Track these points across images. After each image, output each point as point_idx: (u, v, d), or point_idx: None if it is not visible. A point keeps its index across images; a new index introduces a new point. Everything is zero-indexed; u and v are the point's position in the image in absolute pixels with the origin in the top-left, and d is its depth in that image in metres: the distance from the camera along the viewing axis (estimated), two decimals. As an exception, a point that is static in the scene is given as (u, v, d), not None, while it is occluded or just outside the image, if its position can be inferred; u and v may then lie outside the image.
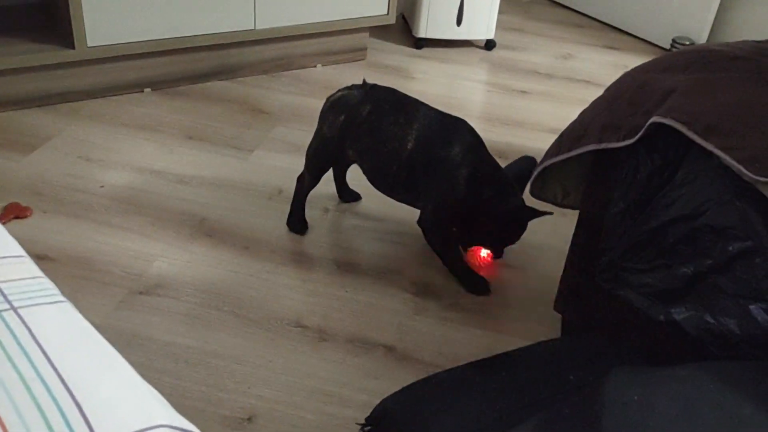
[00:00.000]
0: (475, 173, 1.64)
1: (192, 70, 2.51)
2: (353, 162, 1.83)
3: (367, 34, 2.84)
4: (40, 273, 0.79)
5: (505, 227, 1.72)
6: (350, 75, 2.74)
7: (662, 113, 1.12)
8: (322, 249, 1.84)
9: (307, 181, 1.84)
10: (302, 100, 2.53)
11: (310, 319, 1.61)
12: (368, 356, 1.54)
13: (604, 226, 1.31)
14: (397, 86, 2.72)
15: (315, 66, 2.78)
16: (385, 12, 2.75)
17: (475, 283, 1.74)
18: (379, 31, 2.97)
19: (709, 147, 1.07)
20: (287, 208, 1.94)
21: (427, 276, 1.78)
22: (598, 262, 1.32)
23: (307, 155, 1.83)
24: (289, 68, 2.72)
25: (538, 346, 1.30)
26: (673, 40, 3.16)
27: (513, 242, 1.77)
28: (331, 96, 1.79)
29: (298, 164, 1.93)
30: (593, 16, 3.52)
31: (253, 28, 2.50)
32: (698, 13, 3.10)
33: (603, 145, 1.24)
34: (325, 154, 1.80)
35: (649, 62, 1.33)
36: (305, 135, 2.07)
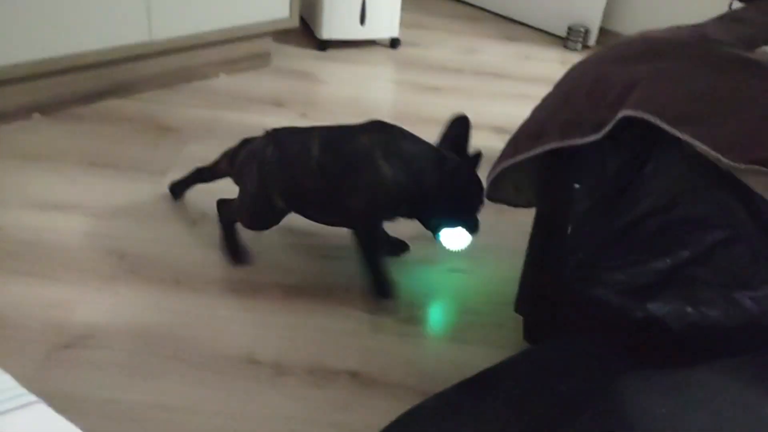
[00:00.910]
0: (397, 154, 1.53)
1: (84, 89, 2.29)
2: (287, 212, 1.67)
3: (270, 39, 2.71)
4: None
5: (460, 192, 1.60)
6: (255, 83, 2.60)
7: (632, 106, 1.09)
8: (261, 274, 1.71)
9: (241, 224, 1.72)
10: (211, 113, 2.36)
11: (262, 353, 1.48)
12: (332, 386, 1.43)
13: (570, 225, 1.28)
14: (306, 90, 2.64)
15: (218, 76, 2.61)
16: (288, 15, 2.63)
17: (383, 287, 1.64)
18: (282, 35, 2.84)
19: (684, 137, 1.05)
20: (214, 233, 1.79)
21: (377, 291, 1.69)
22: (568, 261, 1.29)
23: (241, 214, 1.70)
24: (191, 80, 2.55)
25: (518, 358, 1.24)
26: (569, 28, 3.23)
27: (479, 205, 1.65)
28: (233, 154, 1.71)
29: (218, 184, 1.79)
30: (489, 8, 3.54)
31: (149, 40, 2.31)
32: (590, 2, 3.19)
33: (566, 142, 1.20)
34: (262, 211, 1.65)
35: (595, 54, 1.31)
36: (218, 151, 1.93)
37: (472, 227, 1.67)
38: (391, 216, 1.65)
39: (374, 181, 1.53)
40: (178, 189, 1.90)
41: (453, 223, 1.65)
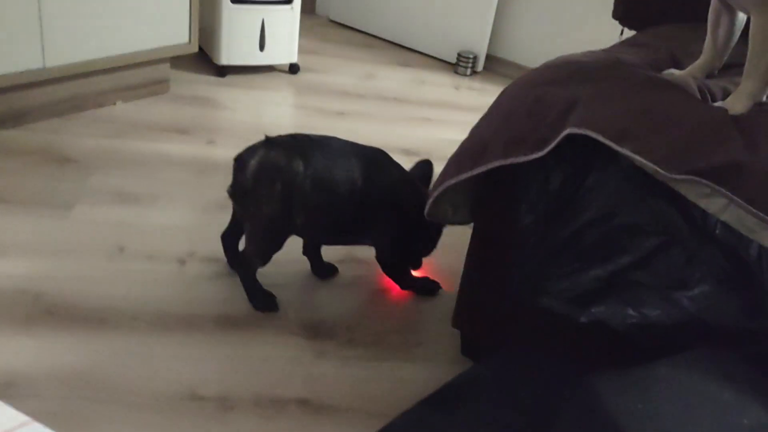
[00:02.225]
0: (412, 192, 1.65)
1: (-31, 120, 2.12)
2: (297, 230, 1.62)
3: (167, 65, 2.63)
4: None
5: (428, 234, 1.72)
6: (155, 110, 2.51)
7: (576, 124, 1.16)
8: (190, 306, 1.64)
9: (257, 266, 1.63)
10: (111, 142, 2.25)
11: (205, 388, 1.43)
12: (283, 416, 1.40)
13: (512, 240, 1.33)
14: (209, 117, 2.59)
15: (114, 103, 2.50)
16: (187, 41, 2.56)
17: (426, 287, 1.79)
18: (179, 61, 2.76)
19: (624, 152, 1.14)
20: (135, 268, 1.72)
21: (313, 316, 1.68)
22: (513, 274, 1.34)
23: (253, 243, 1.59)
24: (85, 108, 2.42)
25: (475, 372, 1.28)
26: (459, 54, 3.38)
27: (434, 248, 1.77)
28: (241, 170, 1.53)
29: (131, 215, 1.72)
30: (383, 36, 3.63)
31: (42, 66, 2.17)
32: (477, 31, 3.35)
33: (510, 160, 1.26)
34: (276, 234, 1.58)
35: (526, 78, 1.38)
36: (127, 182, 1.86)
37: (420, 265, 1.83)
38: None
39: (402, 222, 1.64)
40: (234, 261, 1.74)
41: (415, 258, 1.80)
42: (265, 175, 1.50)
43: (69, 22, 2.18)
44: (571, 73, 1.32)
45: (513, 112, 1.30)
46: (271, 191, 1.50)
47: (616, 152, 1.17)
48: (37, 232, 1.78)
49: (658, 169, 1.12)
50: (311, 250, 1.78)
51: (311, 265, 1.79)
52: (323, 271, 1.80)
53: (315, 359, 1.55)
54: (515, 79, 1.43)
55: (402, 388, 1.51)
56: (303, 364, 1.53)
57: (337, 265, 1.84)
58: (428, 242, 1.74)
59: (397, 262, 1.75)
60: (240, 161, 1.54)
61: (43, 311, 1.54)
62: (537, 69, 1.40)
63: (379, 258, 1.73)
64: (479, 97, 3.09)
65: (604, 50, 1.55)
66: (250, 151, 1.54)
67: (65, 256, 1.72)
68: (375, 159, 1.63)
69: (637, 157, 1.13)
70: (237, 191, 1.56)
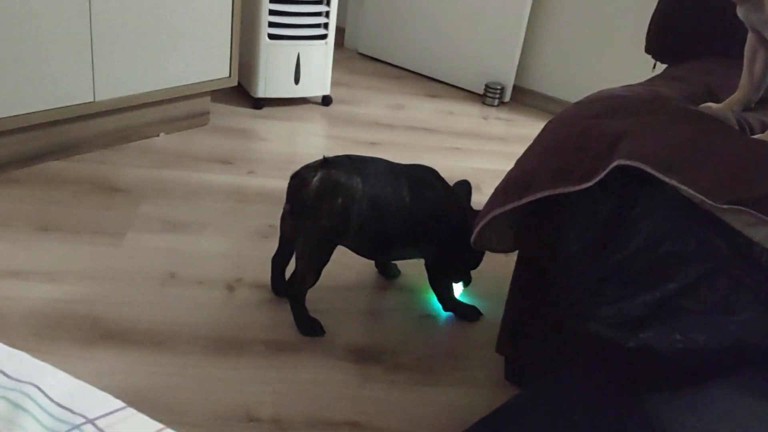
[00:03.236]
0: (457, 207, 1.76)
1: (22, 152, 2.21)
2: (348, 243, 1.72)
3: (208, 98, 2.72)
4: None
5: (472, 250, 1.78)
6: (197, 141, 2.60)
7: (624, 156, 1.22)
8: (241, 330, 1.70)
9: (309, 283, 1.68)
10: (157, 172, 2.34)
11: (260, 411, 1.47)
12: (336, 438, 1.44)
13: (559, 267, 1.38)
14: (248, 148, 2.67)
15: (158, 135, 2.59)
16: (227, 75, 2.66)
17: (469, 312, 1.84)
18: (217, 94, 2.86)
19: (672, 182, 1.18)
20: (185, 293, 1.78)
21: (359, 340, 1.73)
22: (560, 301, 1.38)
23: (304, 257, 1.65)
24: (131, 140, 2.51)
25: (527, 395, 1.31)
26: (486, 86, 3.45)
27: (477, 264, 1.86)
28: (301, 186, 1.61)
29: (180, 242, 1.79)
30: (411, 68, 3.72)
31: (92, 100, 2.27)
32: (504, 62, 3.43)
33: (558, 190, 1.31)
34: (329, 247, 1.66)
35: (570, 111, 1.44)
36: (174, 210, 1.92)
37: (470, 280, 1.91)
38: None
39: (450, 233, 1.74)
40: (279, 286, 1.82)
41: (464, 274, 1.88)
42: (328, 191, 1.59)
43: (119, 58, 2.28)
44: (615, 107, 1.38)
45: (559, 145, 1.36)
46: (332, 206, 1.59)
47: (662, 182, 1.22)
48: (92, 259, 1.85)
49: (705, 198, 1.16)
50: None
51: (379, 268, 1.98)
52: (388, 271, 1.98)
53: (363, 383, 1.60)
54: (558, 112, 1.49)
55: (449, 412, 1.55)
56: (351, 388, 1.58)
57: (380, 292, 1.90)
58: (472, 259, 1.82)
59: (445, 276, 1.82)
60: (299, 178, 1.63)
61: (102, 336, 1.60)
62: (580, 103, 1.46)
63: (429, 270, 1.82)
64: (508, 128, 3.16)
65: (642, 84, 1.61)
66: (309, 169, 1.63)
67: (120, 281, 1.79)
68: (422, 177, 1.74)
69: (684, 188, 1.18)
70: (296, 205, 1.63)
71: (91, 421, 0.64)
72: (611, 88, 1.55)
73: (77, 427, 0.63)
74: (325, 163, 1.63)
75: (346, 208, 1.61)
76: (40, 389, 0.68)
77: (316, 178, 1.60)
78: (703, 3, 1.94)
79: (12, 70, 2.03)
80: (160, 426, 0.65)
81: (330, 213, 1.60)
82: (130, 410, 0.67)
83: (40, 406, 0.65)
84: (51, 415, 0.64)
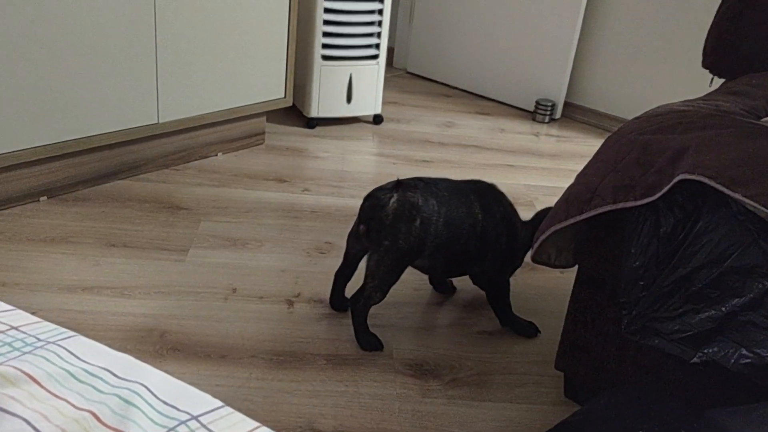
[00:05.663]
0: (517, 218, 1.81)
1: (89, 172, 2.30)
2: (420, 263, 1.77)
3: (264, 119, 2.80)
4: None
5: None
6: (253, 160, 2.67)
7: (688, 170, 1.22)
8: (302, 344, 1.73)
9: (376, 300, 1.71)
10: (217, 191, 2.41)
11: (322, 423, 1.50)
12: (397, 450, 1.46)
13: (621, 282, 1.38)
14: (303, 166, 2.73)
15: (216, 155, 2.67)
16: (283, 95, 2.73)
17: (527, 328, 1.86)
18: (272, 114, 2.93)
19: (737, 196, 1.18)
20: (248, 308, 1.82)
21: (417, 355, 1.75)
22: (622, 316, 1.38)
23: (376, 276, 1.67)
24: (191, 159, 2.59)
25: (590, 409, 1.31)
26: (537, 103, 3.46)
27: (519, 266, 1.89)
28: (377, 207, 1.65)
29: (240, 258, 1.84)
30: (459, 86, 3.75)
31: (156, 121, 2.35)
32: (555, 79, 3.43)
33: (620, 205, 1.32)
34: (402, 267, 1.70)
35: (630, 126, 1.45)
36: (234, 227, 1.97)
37: None
38: None
39: (513, 248, 1.79)
40: (338, 302, 1.86)
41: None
42: (405, 212, 1.63)
43: (181, 82, 2.36)
44: (676, 122, 1.38)
45: (620, 159, 1.37)
46: (410, 227, 1.63)
47: (726, 196, 1.21)
48: (158, 275, 1.92)
49: (772, 212, 1.16)
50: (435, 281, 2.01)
51: (434, 285, 2.02)
52: (444, 287, 2.01)
53: (422, 397, 1.61)
54: (612, 128, 1.50)
55: (508, 427, 1.55)
56: (411, 402, 1.60)
57: (437, 308, 1.92)
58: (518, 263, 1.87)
59: (503, 291, 1.84)
60: (373, 199, 1.67)
61: (170, 348, 1.66)
62: (639, 118, 1.47)
63: (487, 285, 1.83)
64: (559, 144, 3.15)
65: (701, 99, 1.60)
66: (383, 190, 1.67)
67: (185, 296, 1.85)
68: (488, 193, 1.78)
69: (749, 201, 1.17)
70: (372, 225, 1.66)
71: (196, 418, 0.68)
72: (670, 103, 1.56)
73: (183, 423, 0.67)
74: (399, 185, 1.66)
75: (424, 230, 1.65)
76: (147, 388, 0.72)
77: (393, 200, 1.64)
78: (761, 16, 1.93)
79: (82, 95, 2.13)
80: (257, 424, 0.69)
81: (408, 234, 1.64)
82: (228, 408, 0.71)
83: (148, 403, 0.70)
84: (159, 412, 0.68)
